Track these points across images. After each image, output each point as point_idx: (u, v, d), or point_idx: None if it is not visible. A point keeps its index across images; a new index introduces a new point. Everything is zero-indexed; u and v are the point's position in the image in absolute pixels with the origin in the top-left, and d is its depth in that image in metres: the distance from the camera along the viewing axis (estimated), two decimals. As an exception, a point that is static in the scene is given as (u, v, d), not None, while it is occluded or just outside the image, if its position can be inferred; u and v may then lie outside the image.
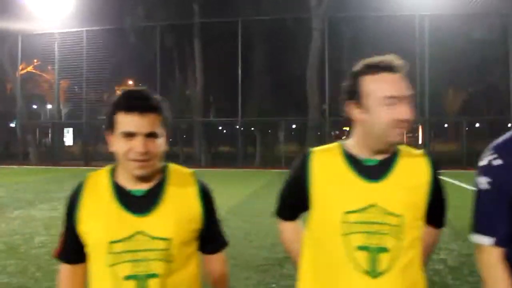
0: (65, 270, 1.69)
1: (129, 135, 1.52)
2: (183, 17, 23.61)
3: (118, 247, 1.54)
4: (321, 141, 22.06)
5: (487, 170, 1.61)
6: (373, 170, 1.65)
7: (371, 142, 1.64)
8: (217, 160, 25.41)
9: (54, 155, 25.49)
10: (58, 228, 7.40)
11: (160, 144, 1.56)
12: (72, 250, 1.66)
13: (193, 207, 1.62)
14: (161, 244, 1.54)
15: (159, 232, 1.55)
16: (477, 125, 29.48)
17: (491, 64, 22.36)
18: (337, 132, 28.87)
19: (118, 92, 1.63)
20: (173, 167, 1.68)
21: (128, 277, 1.53)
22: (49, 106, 37.38)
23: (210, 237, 1.70)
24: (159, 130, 1.55)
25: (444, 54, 20.66)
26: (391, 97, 1.58)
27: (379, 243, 1.59)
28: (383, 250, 1.58)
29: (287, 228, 1.88)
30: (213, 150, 29.34)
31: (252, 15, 22.29)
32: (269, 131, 27.77)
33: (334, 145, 1.76)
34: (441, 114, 25.24)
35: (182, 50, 25.96)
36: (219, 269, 1.76)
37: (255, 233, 7.28)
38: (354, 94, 1.63)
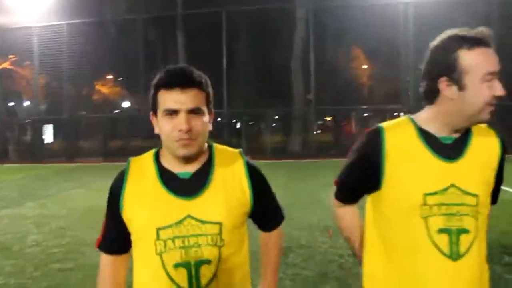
0: (106, 260, 1.62)
1: (172, 112, 1.44)
2: (166, 9, 23.26)
3: (167, 233, 1.46)
4: (306, 131, 22.10)
5: None
6: (450, 149, 1.57)
7: (458, 120, 1.57)
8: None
9: (34, 152, 24.96)
10: (50, 226, 7.33)
11: (205, 121, 1.47)
12: (114, 239, 1.58)
13: (243, 189, 1.55)
14: (212, 229, 1.47)
15: (210, 216, 1.48)
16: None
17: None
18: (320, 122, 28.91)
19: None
20: (219, 147, 1.60)
21: (178, 265, 1.45)
22: (27, 103, 36.57)
23: (268, 215, 1.67)
24: (203, 106, 1.47)
25: (428, 42, 20.73)
26: (491, 73, 1.50)
27: (460, 225, 1.53)
28: (464, 231, 1.53)
29: (348, 212, 1.79)
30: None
31: (236, 6, 22.07)
32: (254, 122, 27.71)
33: (404, 120, 1.67)
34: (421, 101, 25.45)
35: (165, 42, 25.63)
36: (277, 243, 1.73)
37: (252, 224, 7.17)
38: (450, 70, 1.52)
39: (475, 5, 19.58)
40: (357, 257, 1.81)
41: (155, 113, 1.51)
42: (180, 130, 1.43)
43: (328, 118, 32.70)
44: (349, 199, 1.78)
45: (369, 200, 1.71)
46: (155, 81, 1.50)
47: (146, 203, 1.50)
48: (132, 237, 1.55)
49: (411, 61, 20.85)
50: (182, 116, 1.43)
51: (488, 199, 1.62)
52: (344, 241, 1.93)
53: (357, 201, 1.79)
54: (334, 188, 1.80)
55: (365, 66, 30.13)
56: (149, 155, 1.59)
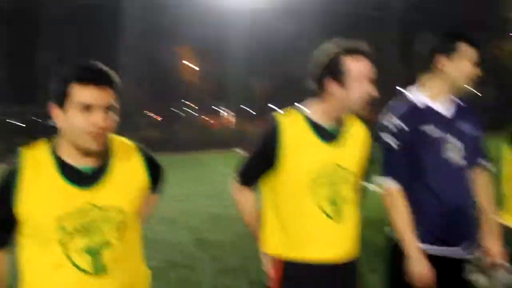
0: None
1: (88, 107, 1.46)
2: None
3: (68, 221, 1.48)
4: (136, 128, 21.67)
5: (394, 130, 2.13)
6: (331, 134, 1.93)
7: (340, 112, 1.92)
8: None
9: None
10: None
11: (115, 118, 1.53)
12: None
13: (141, 177, 1.62)
14: (114, 215, 1.52)
15: (111, 203, 1.53)
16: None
17: (296, 53, 24.85)
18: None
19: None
20: (117, 139, 1.63)
21: (81, 250, 1.48)
22: None
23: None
24: (114, 104, 1.51)
25: (260, 45, 22.24)
26: (366, 76, 1.87)
27: (340, 193, 1.91)
28: (345, 199, 1.92)
29: (249, 195, 2.04)
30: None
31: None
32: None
33: (294, 112, 1.98)
34: (251, 99, 27.12)
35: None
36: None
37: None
38: (335, 72, 1.86)
39: (309, 16, 21.62)
40: (256, 237, 2.06)
41: (60, 105, 1.49)
42: (95, 125, 1.46)
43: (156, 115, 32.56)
44: (250, 183, 2.02)
45: (265, 186, 1.99)
46: (64, 74, 1.49)
47: (46, 195, 1.49)
48: (26, 231, 1.50)
49: (242, 63, 22.06)
50: (99, 112, 1.46)
51: (361, 174, 2.02)
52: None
53: (256, 185, 2.03)
54: (236, 175, 2.05)
55: (192, 65, 30.77)
56: (42, 147, 1.55)
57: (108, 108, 1.48)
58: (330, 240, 1.90)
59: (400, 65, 24.07)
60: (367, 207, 2.16)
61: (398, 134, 2.12)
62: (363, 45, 1.91)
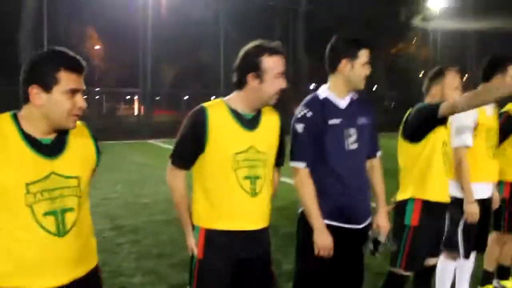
0: None
1: (73, 92, 1.72)
2: None
3: (36, 187, 1.69)
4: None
5: (303, 119, 2.53)
6: (250, 121, 2.29)
7: (258, 103, 2.27)
8: None
9: None
10: None
11: None
12: None
13: (91, 151, 1.92)
14: (73, 182, 1.79)
15: (70, 171, 1.79)
16: (186, 97, 32.45)
17: (205, 41, 24.98)
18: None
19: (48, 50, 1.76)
20: None
21: (46, 213, 1.71)
22: None
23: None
24: None
25: (163, 31, 22.04)
26: (281, 73, 2.23)
27: (256, 172, 2.26)
28: (259, 177, 2.28)
29: (181, 178, 2.33)
30: None
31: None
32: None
33: (218, 101, 2.31)
34: (159, 86, 26.78)
35: None
36: None
37: None
38: (256, 68, 2.20)
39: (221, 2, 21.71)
40: (183, 218, 2.35)
41: (44, 88, 1.70)
42: (79, 108, 1.74)
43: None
44: (183, 165, 2.31)
45: (194, 166, 2.29)
46: (53, 61, 1.71)
47: (14, 163, 1.67)
48: None
49: (149, 48, 21.72)
50: (81, 96, 1.74)
51: (274, 157, 2.39)
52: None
53: (189, 168, 2.31)
54: (170, 158, 2.32)
55: (98, 47, 29.63)
56: (5, 119, 1.73)
57: (83, 92, 1.76)
58: (248, 212, 2.27)
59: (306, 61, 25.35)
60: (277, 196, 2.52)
61: (306, 123, 2.52)
62: (279, 45, 2.25)
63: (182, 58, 26.96)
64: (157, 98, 27.11)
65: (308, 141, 2.54)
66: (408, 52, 32.43)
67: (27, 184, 1.68)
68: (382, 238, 2.62)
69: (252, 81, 2.23)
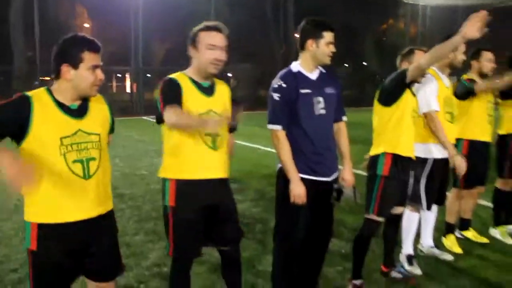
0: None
1: (95, 68, 2.22)
2: None
3: (67, 141, 2.19)
4: (31, 90, 20.57)
5: (278, 89, 2.98)
6: (208, 90, 2.76)
7: (203, 73, 2.72)
8: None
9: None
10: None
11: None
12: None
13: (107, 114, 2.43)
14: (95, 138, 2.30)
15: (93, 129, 2.30)
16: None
17: (196, 19, 24.97)
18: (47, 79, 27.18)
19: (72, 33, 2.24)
20: None
21: (75, 161, 2.20)
22: None
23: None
24: None
25: (153, 8, 22.15)
26: (215, 46, 2.67)
27: (221, 131, 2.74)
28: (219, 135, 2.72)
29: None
30: None
31: None
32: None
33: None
34: (151, 64, 26.97)
35: None
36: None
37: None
38: (193, 41, 2.70)
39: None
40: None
41: (73, 65, 2.18)
42: (100, 80, 2.24)
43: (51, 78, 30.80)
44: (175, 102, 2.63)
45: (164, 127, 2.71)
46: (78, 40, 2.19)
47: (50, 122, 2.17)
48: (31, 147, 2.11)
49: (140, 26, 21.78)
50: (100, 70, 2.24)
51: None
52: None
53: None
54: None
55: (87, 25, 29.54)
56: (43, 92, 2.22)
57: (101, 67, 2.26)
58: (211, 164, 2.70)
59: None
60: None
61: (281, 92, 2.95)
62: (220, 25, 2.71)
63: (172, 35, 27.05)
64: (148, 75, 27.25)
65: (283, 107, 2.96)
66: (398, 28, 32.68)
67: (61, 138, 2.17)
68: (347, 189, 3.10)
69: (193, 52, 2.73)
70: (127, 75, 28.12)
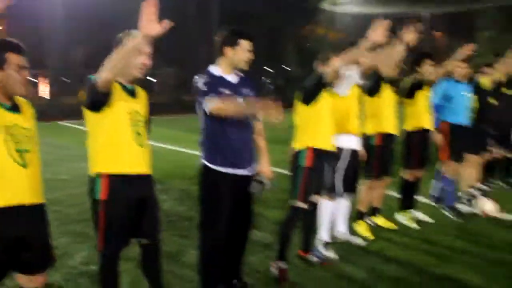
0: None
1: (21, 68, 2.43)
2: None
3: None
4: None
5: (204, 79, 3.23)
6: (133, 93, 2.96)
7: (128, 75, 2.88)
8: None
9: None
10: None
11: None
12: None
13: (32, 112, 2.66)
14: (29, 132, 2.52)
15: (27, 124, 2.54)
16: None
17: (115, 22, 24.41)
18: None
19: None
20: None
21: (16, 150, 2.46)
22: None
23: None
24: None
25: (74, 13, 21.41)
26: (141, 52, 2.80)
27: (141, 130, 2.92)
28: (143, 133, 2.93)
29: None
30: None
31: None
32: None
33: None
34: (68, 69, 25.95)
35: None
36: None
37: None
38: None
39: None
40: None
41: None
42: (25, 79, 2.52)
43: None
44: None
45: (92, 125, 2.88)
46: (4, 44, 2.47)
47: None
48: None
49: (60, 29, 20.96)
50: (27, 71, 2.50)
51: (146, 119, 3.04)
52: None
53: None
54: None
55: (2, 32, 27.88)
56: None
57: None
58: (138, 159, 2.84)
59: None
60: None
61: (205, 79, 3.21)
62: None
63: (92, 39, 26.25)
64: (66, 79, 26.21)
65: (208, 89, 3.18)
66: (318, 34, 33.94)
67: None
68: (264, 181, 3.37)
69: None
70: (44, 80, 26.83)
